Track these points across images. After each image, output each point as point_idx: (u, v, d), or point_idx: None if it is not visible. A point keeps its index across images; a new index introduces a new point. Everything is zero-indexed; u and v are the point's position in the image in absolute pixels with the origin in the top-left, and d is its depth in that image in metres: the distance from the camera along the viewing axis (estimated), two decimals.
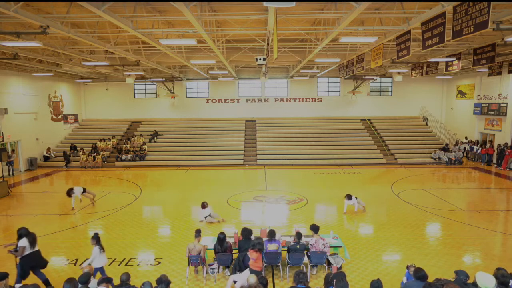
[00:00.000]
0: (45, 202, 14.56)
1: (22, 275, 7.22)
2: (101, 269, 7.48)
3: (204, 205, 11.73)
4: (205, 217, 11.72)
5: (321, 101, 28.78)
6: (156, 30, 11.28)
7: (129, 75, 22.43)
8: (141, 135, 26.04)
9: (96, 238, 7.56)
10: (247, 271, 7.19)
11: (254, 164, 23.23)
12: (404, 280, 6.24)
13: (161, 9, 11.06)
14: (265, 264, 8.04)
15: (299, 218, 12.20)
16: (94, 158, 22.91)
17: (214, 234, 9.89)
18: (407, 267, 6.49)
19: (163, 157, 24.02)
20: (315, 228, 8.20)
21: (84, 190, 13.38)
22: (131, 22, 10.18)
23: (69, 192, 13.05)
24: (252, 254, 7.19)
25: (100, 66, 19.54)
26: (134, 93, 28.99)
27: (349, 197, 12.39)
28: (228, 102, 28.80)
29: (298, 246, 7.89)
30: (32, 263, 7.38)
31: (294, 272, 5.81)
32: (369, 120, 28.14)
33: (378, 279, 5.54)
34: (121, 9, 9.82)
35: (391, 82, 28.34)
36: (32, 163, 21.86)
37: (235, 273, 7.68)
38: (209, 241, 8.74)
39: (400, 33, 10.96)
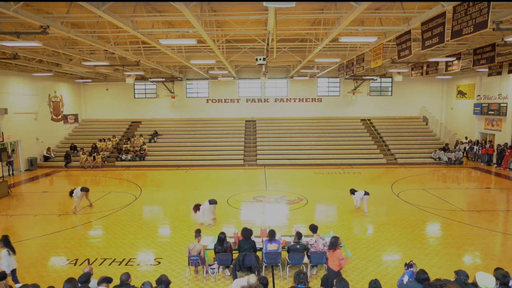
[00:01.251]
0: (45, 202, 14.56)
1: None
2: (12, 273, 7.14)
3: (196, 209, 11.30)
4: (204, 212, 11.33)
5: (321, 101, 28.77)
6: (156, 30, 11.28)
7: (129, 75, 22.42)
8: (141, 135, 26.04)
9: (4, 240, 7.20)
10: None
11: (254, 164, 23.22)
12: (406, 279, 6.03)
13: (161, 9, 11.05)
14: (265, 264, 8.05)
15: (299, 218, 12.20)
16: (94, 158, 22.91)
17: (214, 234, 9.89)
18: (406, 266, 6.16)
19: (163, 157, 24.01)
20: (313, 228, 8.22)
21: (82, 189, 13.27)
22: (131, 22, 10.18)
23: (71, 193, 13.04)
24: (336, 254, 6.95)
25: (100, 66, 19.54)
26: (134, 93, 28.98)
27: (352, 191, 12.72)
28: (228, 102, 28.80)
29: (298, 246, 7.89)
30: None
31: (294, 273, 5.80)
32: (369, 120, 28.13)
33: (375, 279, 5.51)
34: (121, 9, 9.82)
35: (391, 82, 28.33)
36: (32, 163, 21.85)
37: (235, 273, 7.68)
38: (209, 241, 8.74)
39: (400, 33, 10.96)
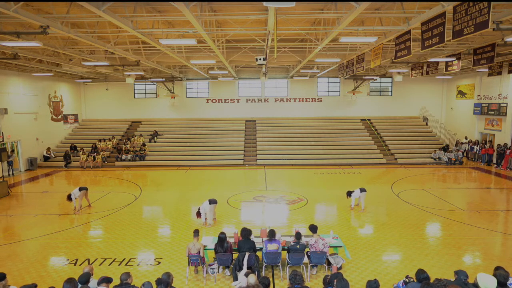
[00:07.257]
0: (45, 202, 14.56)
1: None
2: None
3: (197, 215, 11.27)
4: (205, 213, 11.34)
5: (321, 101, 28.78)
6: (156, 30, 11.28)
7: (129, 75, 22.42)
8: (141, 135, 26.04)
9: None
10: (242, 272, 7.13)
11: (254, 164, 23.22)
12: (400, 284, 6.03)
13: (161, 9, 11.06)
14: (265, 264, 8.05)
15: (299, 218, 12.20)
16: (94, 158, 22.91)
17: (214, 234, 9.89)
18: (404, 281, 6.06)
19: (163, 157, 24.01)
20: (313, 228, 8.21)
21: (81, 189, 13.28)
22: (131, 22, 10.18)
23: (69, 197, 13.03)
24: None
25: (100, 66, 19.54)
26: (134, 93, 28.98)
27: (348, 194, 12.92)
28: (228, 102, 28.81)
29: (298, 246, 7.89)
30: None
31: (290, 274, 5.77)
32: (369, 120, 28.14)
33: (375, 279, 5.51)
34: (121, 9, 9.82)
35: (391, 82, 28.34)
36: (32, 163, 21.85)
37: (235, 273, 7.67)
38: (209, 241, 8.74)
39: (400, 33, 10.96)
